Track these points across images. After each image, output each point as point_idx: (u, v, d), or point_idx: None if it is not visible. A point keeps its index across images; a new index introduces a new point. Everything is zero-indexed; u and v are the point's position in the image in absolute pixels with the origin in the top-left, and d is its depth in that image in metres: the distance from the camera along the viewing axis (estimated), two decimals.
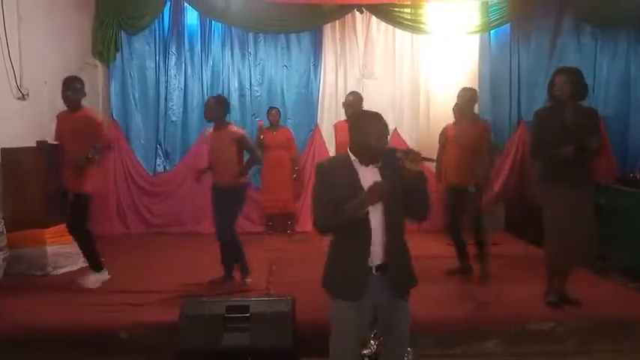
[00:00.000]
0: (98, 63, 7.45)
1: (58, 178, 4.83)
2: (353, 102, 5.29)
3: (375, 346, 3.53)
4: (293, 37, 7.67)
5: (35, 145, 5.44)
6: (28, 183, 5.29)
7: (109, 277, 5.01)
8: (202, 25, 7.61)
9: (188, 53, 7.59)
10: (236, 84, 7.65)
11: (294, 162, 7.22)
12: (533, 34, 7.57)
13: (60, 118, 4.90)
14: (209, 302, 3.85)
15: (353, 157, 2.73)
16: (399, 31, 7.58)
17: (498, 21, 7.44)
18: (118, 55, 7.41)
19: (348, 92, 6.01)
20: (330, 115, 7.50)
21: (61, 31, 6.55)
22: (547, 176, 4.20)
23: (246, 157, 4.86)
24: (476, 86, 7.45)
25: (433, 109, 7.38)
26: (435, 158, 4.71)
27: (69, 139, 4.76)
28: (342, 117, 7.55)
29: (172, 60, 7.57)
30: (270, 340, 3.58)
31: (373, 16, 7.52)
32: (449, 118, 6.79)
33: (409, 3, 7.31)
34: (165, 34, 7.58)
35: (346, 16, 7.53)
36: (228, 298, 4.14)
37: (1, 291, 4.57)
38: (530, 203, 5.10)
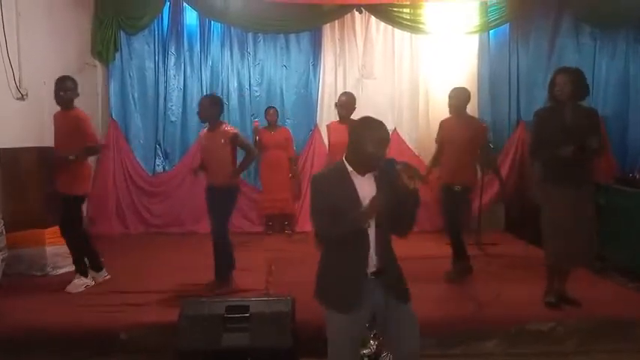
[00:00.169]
0: (97, 63, 7.46)
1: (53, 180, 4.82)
2: (346, 103, 5.27)
3: (374, 346, 3.54)
4: (292, 37, 7.67)
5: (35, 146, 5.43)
6: (27, 183, 5.29)
7: (108, 276, 5.02)
8: (201, 25, 7.61)
9: (187, 53, 7.59)
10: (235, 84, 7.65)
11: (292, 162, 7.22)
12: (532, 34, 7.58)
13: (55, 118, 4.89)
14: (208, 302, 3.84)
15: (349, 168, 2.68)
16: (398, 31, 7.58)
17: (497, 21, 7.44)
18: (118, 55, 7.41)
19: (347, 92, 5.99)
20: (329, 115, 7.48)
21: (61, 31, 6.55)
22: (547, 176, 4.20)
23: (242, 158, 4.84)
24: (475, 86, 7.50)
25: (432, 109, 7.37)
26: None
27: (61, 140, 4.76)
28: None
29: (172, 60, 7.57)
30: (270, 340, 3.58)
31: (372, 16, 7.53)
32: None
33: (408, 3, 7.32)
34: (165, 34, 7.58)
35: (345, 16, 7.53)
36: (228, 298, 4.14)
37: (1, 291, 4.56)
38: (530, 203, 5.10)
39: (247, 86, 7.67)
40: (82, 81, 7.03)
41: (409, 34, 7.56)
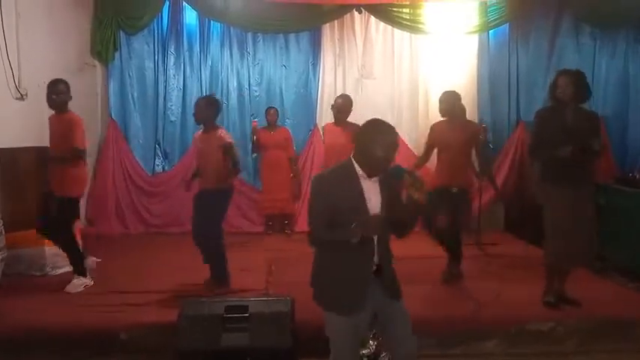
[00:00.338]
0: (97, 63, 7.45)
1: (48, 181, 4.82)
2: (342, 105, 5.25)
3: (374, 346, 3.54)
4: (292, 36, 7.66)
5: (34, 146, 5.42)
6: (26, 183, 5.29)
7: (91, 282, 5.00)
8: (201, 24, 7.61)
9: (187, 53, 7.59)
10: (235, 84, 7.65)
11: (292, 162, 7.21)
12: (532, 34, 7.58)
13: (50, 121, 4.89)
14: (208, 302, 3.84)
15: (359, 169, 2.65)
16: (397, 31, 7.57)
17: (497, 21, 7.43)
18: (117, 55, 7.40)
19: (343, 95, 5.98)
20: (328, 116, 7.44)
21: (60, 31, 6.54)
22: (546, 176, 4.20)
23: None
24: (474, 86, 7.52)
25: (432, 109, 7.32)
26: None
27: (56, 143, 4.76)
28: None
29: (171, 60, 7.56)
30: (270, 340, 3.58)
31: (372, 16, 7.52)
32: None
33: (408, 3, 7.31)
34: (164, 33, 7.57)
35: (345, 16, 7.52)
36: (227, 298, 4.13)
37: (0, 291, 4.56)
38: (529, 203, 5.10)
39: (247, 86, 7.66)
40: (81, 81, 7.12)
41: (409, 34, 7.55)
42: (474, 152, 5.13)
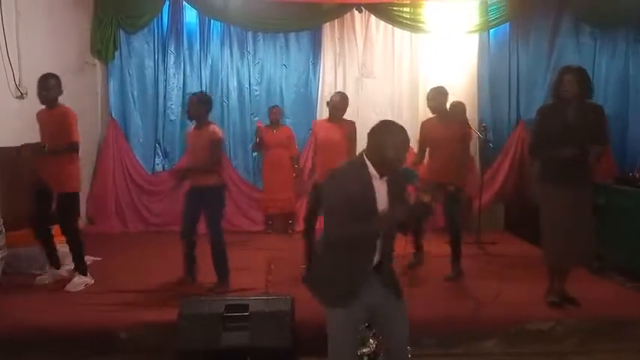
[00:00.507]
0: (97, 62, 7.46)
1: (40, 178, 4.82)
2: (339, 103, 5.21)
3: (374, 346, 3.54)
4: (292, 36, 7.66)
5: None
6: (26, 182, 5.27)
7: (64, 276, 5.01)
8: (201, 23, 7.60)
9: (187, 52, 7.58)
10: (235, 83, 7.64)
11: (294, 161, 7.20)
12: (532, 33, 7.57)
13: (39, 117, 4.86)
14: (208, 301, 3.85)
15: (371, 168, 2.65)
16: (398, 31, 7.57)
17: (497, 20, 7.43)
18: (117, 54, 7.40)
19: (340, 92, 5.94)
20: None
21: (60, 30, 6.54)
22: (546, 176, 4.19)
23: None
24: (475, 85, 7.53)
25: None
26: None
27: (47, 138, 4.74)
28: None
29: (171, 59, 7.56)
30: (270, 339, 3.58)
31: (372, 16, 7.51)
32: None
33: (408, 2, 7.31)
34: (164, 32, 7.56)
35: (345, 16, 7.51)
36: (227, 297, 4.14)
37: (0, 290, 4.57)
38: (529, 203, 5.10)
39: (247, 85, 7.66)
40: (81, 80, 7.12)
41: (409, 33, 7.54)
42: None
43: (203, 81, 7.57)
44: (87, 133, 7.11)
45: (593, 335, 4.06)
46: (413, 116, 7.60)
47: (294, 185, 7.19)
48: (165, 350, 3.77)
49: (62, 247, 5.13)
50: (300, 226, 7.28)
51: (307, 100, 7.66)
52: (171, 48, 7.55)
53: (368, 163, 2.66)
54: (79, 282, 4.84)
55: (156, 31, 7.54)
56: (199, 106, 4.73)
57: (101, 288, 4.80)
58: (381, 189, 2.66)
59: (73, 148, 4.74)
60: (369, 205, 2.61)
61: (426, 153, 5.15)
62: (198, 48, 7.59)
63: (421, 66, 7.58)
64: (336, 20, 7.55)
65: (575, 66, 4.17)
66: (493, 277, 5.09)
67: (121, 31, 7.38)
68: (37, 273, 5.15)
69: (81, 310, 4.26)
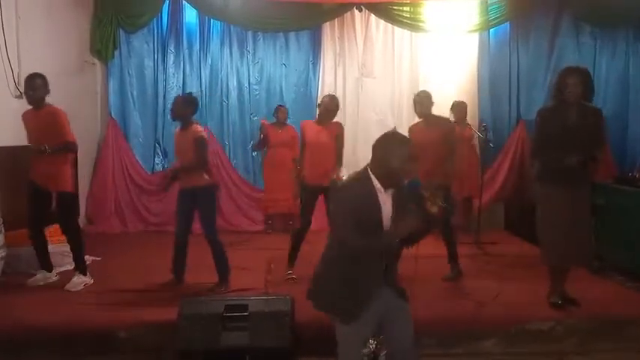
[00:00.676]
0: (97, 61, 7.46)
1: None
2: (329, 104, 5.15)
3: (374, 346, 3.53)
4: (292, 35, 7.66)
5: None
6: (26, 182, 5.27)
7: (56, 278, 5.00)
8: (201, 23, 7.60)
9: (187, 51, 7.58)
10: (235, 82, 7.64)
11: (296, 162, 7.18)
12: (532, 33, 7.57)
13: (25, 118, 4.83)
14: (207, 301, 3.85)
15: (376, 182, 2.65)
16: (398, 30, 7.57)
17: (497, 19, 7.43)
18: (117, 53, 7.40)
19: (331, 94, 5.94)
20: None
21: (60, 30, 6.53)
22: (546, 176, 4.18)
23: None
24: (475, 85, 7.52)
25: (432, 107, 7.34)
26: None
27: (36, 138, 4.71)
28: (340, 115, 7.57)
29: (171, 58, 7.55)
30: (269, 339, 3.58)
31: (372, 15, 7.51)
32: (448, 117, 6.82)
33: (408, 1, 7.31)
34: (164, 32, 7.56)
35: (345, 15, 7.51)
36: (227, 297, 4.14)
37: (0, 290, 4.57)
38: (529, 203, 5.09)
39: (247, 85, 7.65)
40: (81, 79, 7.12)
41: (409, 32, 7.54)
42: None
43: (203, 80, 7.57)
44: (86, 133, 7.13)
45: (593, 335, 4.06)
46: (413, 115, 7.59)
47: (294, 186, 7.17)
48: (165, 350, 3.78)
49: (61, 247, 5.13)
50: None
51: (307, 100, 7.65)
52: (171, 47, 7.55)
53: (372, 176, 2.65)
54: (79, 281, 4.83)
55: (155, 31, 7.54)
56: (184, 107, 4.73)
57: (101, 288, 4.80)
58: (386, 202, 2.66)
59: (70, 148, 4.74)
60: (375, 219, 2.61)
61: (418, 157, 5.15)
62: (198, 47, 7.59)
63: (421, 65, 7.58)
64: (336, 20, 7.55)
65: (578, 67, 4.14)
66: (493, 277, 5.09)
67: (120, 30, 7.38)
68: (37, 273, 5.15)
69: (80, 309, 4.26)
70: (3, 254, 4.70)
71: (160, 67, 7.54)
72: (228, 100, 7.61)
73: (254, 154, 7.64)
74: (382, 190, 2.65)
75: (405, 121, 7.55)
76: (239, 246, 6.44)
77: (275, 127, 7.10)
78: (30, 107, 4.76)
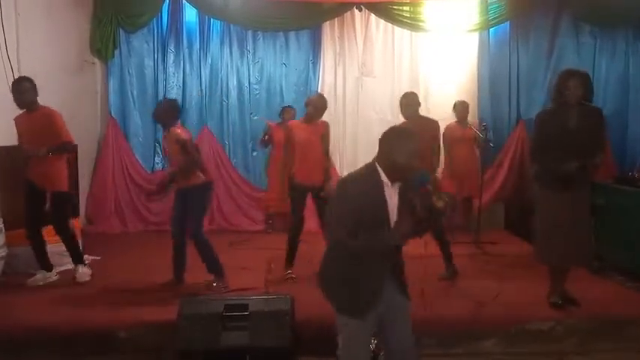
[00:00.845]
0: (97, 61, 7.46)
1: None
2: (317, 102, 5.14)
3: (374, 345, 3.53)
4: (292, 35, 7.65)
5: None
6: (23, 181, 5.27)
7: (56, 277, 5.04)
8: (201, 22, 7.59)
9: (187, 51, 7.57)
10: (235, 82, 7.64)
11: (283, 162, 7.15)
12: (532, 32, 7.56)
13: (17, 120, 4.86)
14: (207, 301, 3.85)
15: (383, 176, 2.63)
16: (398, 30, 7.56)
17: (497, 19, 7.42)
18: (117, 53, 7.39)
19: (319, 93, 5.94)
20: (328, 113, 7.34)
21: (60, 29, 6.53)
22: (545, 177, 4.17)
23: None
24: (475, 84, 7.52)
25: (432, 107, 7.32)
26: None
27: (31, 140, 4.73)
28: (340, 114, 7.61)
29: (171, 58, 7.55)
30: (269, 338, 3.58)
31: (372, 14, 7.50)
32: (448, 117, 6.84)
33: (408, 1, 7.30)
34: (164, 32, 7.56)
35: (345, 14, 7.50)
36: (227, 297, 4.14)
37: (0, 290, 4.57)
38: (529, 202, 5.09)
39: (247, 84, 7.65)
40: (81, 79, 7.12)
41: (409, 32, 7.53)
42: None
43: (203, 80, 7.57)
44: (86, 132, 7.13)
45: (593, 335, 4.06)
46: None
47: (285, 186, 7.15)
48: (165, 350, 3.78)
49: (60, 247, 5.12)
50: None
51: None
52: (171, 47, 7.54)
53: (379, 169, 2.64)
54: (86, 272, 4.95)
55: (155, 30, 7.54)
56: (166, 112, 4.76)
57: (101, 288, 4.81)
58: (392, 196, 2.65)
59: (67, 148, 4.76)
60: (380, 212, 2.61)
61: None
62: (198, 47, 7.58)
63: (421, 65, 7.58)
64: (336, 19, 7.54)
65: (578, 70, 4.13)
66: (493, 277, 5.09)
67: (120, 30, 7.37)
68: (37, 273, 5.16)
69: (81, 309, 4.27)
70: (3, 254, 4.70)
71: (160, 67, 7.53)
72: (228, 100, 7.60)
73: (254, 153, 7.64)
74: (389, 183, 2.64)
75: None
76: (239, 246, 6.45)
77: (281, 128, 7.08)
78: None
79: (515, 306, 4.34)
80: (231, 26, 7.56)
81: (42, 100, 4.86)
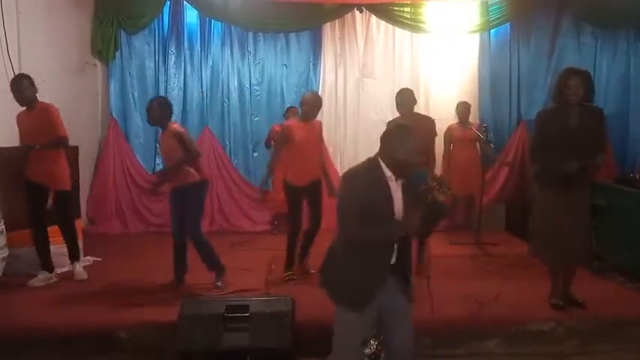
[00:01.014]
0: (98, 62, 7.46)
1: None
2: (311, 100, 5.11)
3: (375, 346, 3.53)
4: (292, 36, 7.65)
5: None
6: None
7: (56, 279, 5.06)
8: (202, 24, 7.60)
9: (187, 52, 7.58)
10: (235, 83, 7.64)
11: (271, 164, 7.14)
12: (532, 33, 7.56)
13: (19, 118, 4.90)
14: (208, 302, 3.85)
15: (386, 170, 2.65)
16: (398, 31, 7.56)
17: (498, 20, 7.42)
18: (118, 54, 7.40)
19: (313, 91, 5.93)
20: (329, 115, 7.48)
21: (61, 30, 6.54)
22: (545, 177, 4.17)
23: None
24: (475, 85, 7.52)
25: (433, 108, 7.34)
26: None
27: (29, 137, 4.78)
28: (341, 115, 7.61)
29: (172, 59, 7.55)
30: (270, 339, 3.58)
31: (373, 16, 7.51)
32: (449, 117, 6.84)
33: (409, 2, 7.30)
34: (165, 33, 7.57)
35: (346, 16, 7.51)
36: (228, 298, 4.14)
37: (1, 290, 4.57)
38: (530, 203, 5.09)
39: (247, 85, 7.65)
40: (82, 80, 7.12)
41: (410, 33, 7.54)
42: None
43: (204, 81, 7.58)
44: (87, 134, 7.14)
45: (594, 336, 4.05)
46: None
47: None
48: (166, 350, 3.78)
49: (62, 248, 5.13)
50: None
51: None
52: (172, 48, 7.55)
53: (382, 164, 2.66)
54: (82, 269, 5.05)
55: (156, 32, 7.55)
56: (160, 111, 4.77)
57: (101, 288, 4.81)
58: (396, 191, 2.66)
59: (61, 142, 4.79)
60: (385, 206, 2.62)
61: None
62: (199, 48, 7.59)
63: (422, 66, 7.58)
64: (336, 20, 7.55)
65: (579, 68, 4.10)
66: (494, 278, 5.08)
67: (121, 31, 7.38)
68: (37, 274, 5.16)
69: (81, 310, 4.27)
70: (4, 255, 4.71)
71: (161, 68, 7.54)
72: (229, 101, 7.61)
73: (255, 154, 7.64)
74: (393, 178, 2.65)
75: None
76: (240, 247, 6.45)
77: None
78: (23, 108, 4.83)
79: (516, 307, 4.33)
80: (232, 27, 7.57)
81: (43, 100, 4.88)
